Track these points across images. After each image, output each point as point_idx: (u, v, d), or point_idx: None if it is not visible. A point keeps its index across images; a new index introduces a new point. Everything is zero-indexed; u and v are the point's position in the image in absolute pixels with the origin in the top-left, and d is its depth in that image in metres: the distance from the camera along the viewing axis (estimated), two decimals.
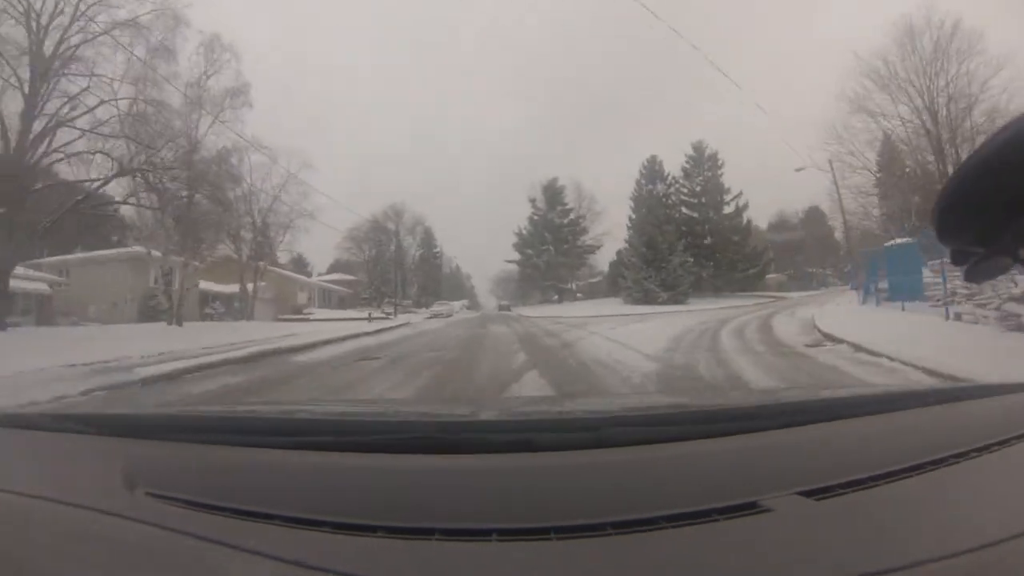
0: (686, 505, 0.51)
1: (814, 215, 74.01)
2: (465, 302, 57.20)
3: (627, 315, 24.69)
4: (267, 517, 0.53)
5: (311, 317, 33.95)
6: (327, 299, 44.45)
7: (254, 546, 0.47)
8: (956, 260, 0.50)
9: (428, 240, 65.53)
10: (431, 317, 34.43)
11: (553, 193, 51.42)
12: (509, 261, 53.28)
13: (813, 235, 65.17)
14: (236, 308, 31.37)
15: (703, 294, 37.79)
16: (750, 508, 0.50)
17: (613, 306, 33.61)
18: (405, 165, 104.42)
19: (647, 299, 35.01)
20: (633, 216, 47.75)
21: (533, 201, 51.68)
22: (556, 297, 60.64)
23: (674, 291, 35.39)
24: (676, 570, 0.45)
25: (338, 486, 0.62)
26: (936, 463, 0.60)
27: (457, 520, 0.51)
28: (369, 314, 29.22)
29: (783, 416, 0.77)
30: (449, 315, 35.27)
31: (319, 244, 71.87)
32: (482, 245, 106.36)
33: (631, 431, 0.74)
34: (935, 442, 0.67)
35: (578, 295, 53.06)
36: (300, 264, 64.27)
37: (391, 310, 35.43)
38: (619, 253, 45.85)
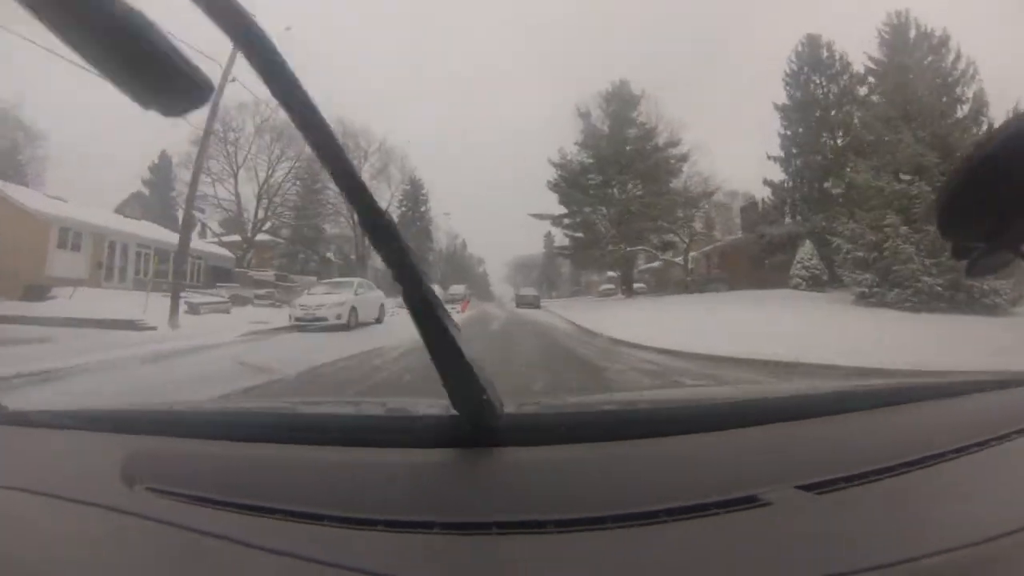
0: (685, 499, 0.51)
1: None
2: (460, 289, 33.74)
3: None
4: (268, 512, 0.53)
5: None
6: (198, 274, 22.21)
7: (255, 541, 0.48)
8: (958, 255, 0.50)
9: (413, 195, 43.00)
10: (291, 327, 11.35)
11: (623, 104, 28.16)
12: (539, 216, 29.37)
13: None
14: None
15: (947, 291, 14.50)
16: (749, 502, 0.51)
17: (861, 319, 10.79)
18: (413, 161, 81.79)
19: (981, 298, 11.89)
20: (788, 134, 24.99)
21: (587, 116, 28.67)
22: (608, 286, 37.90)
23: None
24: (675, 563, 0.45)
25: (339, 480, 0.62)
26: (935, 458, 0.60)
27: (457, 514, 0.52)
28: None
29: (782, 410, 0.77)
30: (345, 325, 11.76)
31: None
32: (495, 231, 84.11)
33: (629, 425, 0.73)
34: (934, 437, 0.67)
35: (621, 288, 30.22)
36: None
37: (215, 298, 12.61)
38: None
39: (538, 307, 25.75)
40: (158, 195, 38.19)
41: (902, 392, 0.85)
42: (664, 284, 32.44)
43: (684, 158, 26.94)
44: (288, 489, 0.59)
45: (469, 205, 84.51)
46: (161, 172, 41.48)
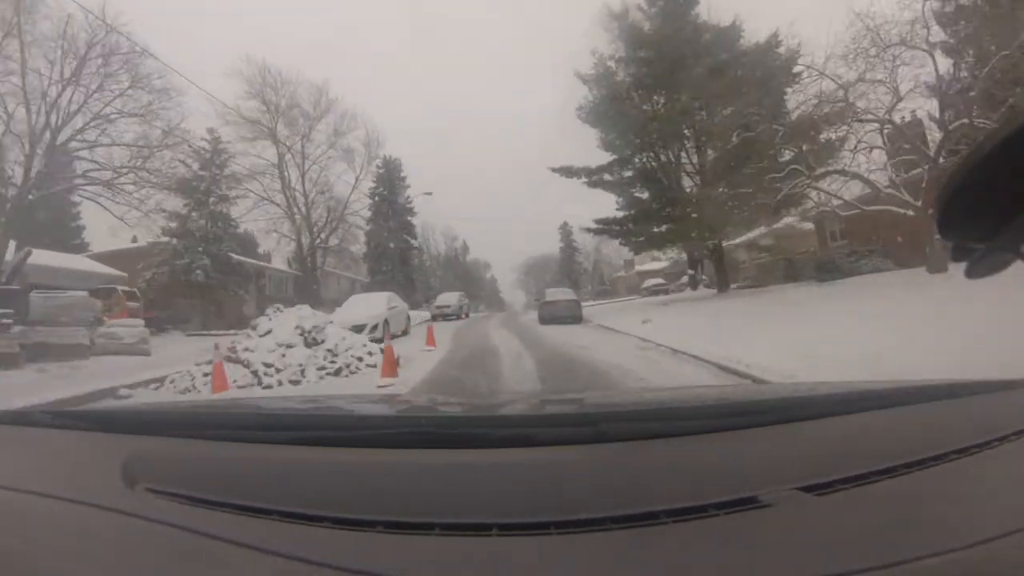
0: (685, 500, 0.51)
1: None
2: (452, 298, 23.27)
3: None
4: (267, 513, 0.54)
5: None
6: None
7: (254, 541, 0.48)
8: (957, 256, 0.50)
9: (388, 180, 32.90)
10: None
11: None
12: (566, 171, 18.09)
13: None
14: None
15: None
16: (749, 503, 0.51)
17: None
18: (418, 161, 71.56)
19: None
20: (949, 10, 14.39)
21: (623, 17, 18.16)
22: (656, 280, 27.47)
23: None
24: (675, 564, 0.45)
25: (337, 481, 0.63)
26: (936, 459, 0.60)
27: (457, 515, 0.52)
28: None
29: (783, 411, 0.77)
30: None
31: None
32: (502, 237, 74.57)
33: (630, 426, 0.74)
34: (935, 438, 0.67)
35: (707, 280, 19.59)
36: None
37: None
38: None
39: (579, 320, 14.71)
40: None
41: (902, 394, 0.86)
42: (729, 272, 21.66)
43: (794, 58, 16.47)
44: (287, 490, 0.59)
45: (472, 207, 74.96)
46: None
